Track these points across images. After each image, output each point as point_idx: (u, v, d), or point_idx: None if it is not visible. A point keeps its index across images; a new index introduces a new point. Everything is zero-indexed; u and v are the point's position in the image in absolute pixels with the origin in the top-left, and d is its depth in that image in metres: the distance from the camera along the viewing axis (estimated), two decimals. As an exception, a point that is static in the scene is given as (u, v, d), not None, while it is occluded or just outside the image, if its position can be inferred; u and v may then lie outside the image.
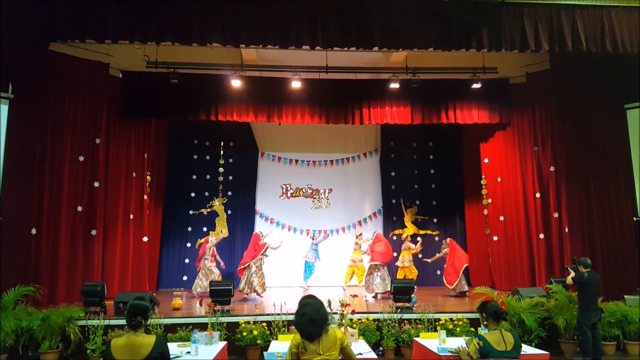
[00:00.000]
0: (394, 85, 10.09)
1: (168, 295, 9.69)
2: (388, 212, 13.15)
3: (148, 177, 10.96)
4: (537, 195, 10.39)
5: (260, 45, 7.74)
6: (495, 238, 11.20)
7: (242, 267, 9.91)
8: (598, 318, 6.67)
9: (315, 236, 12.20)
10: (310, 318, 3.33)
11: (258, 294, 9.55)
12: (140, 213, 10.62)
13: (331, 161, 13.32)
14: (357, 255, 11.37)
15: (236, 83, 9.86)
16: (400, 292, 7.96)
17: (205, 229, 12.54)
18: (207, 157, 12.81)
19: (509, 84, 10.90)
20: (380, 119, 10.57)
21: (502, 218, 11.08)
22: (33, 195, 8.71)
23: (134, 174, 10.47)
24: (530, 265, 10.40)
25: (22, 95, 8.71)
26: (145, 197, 10.81)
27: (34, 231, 8.63)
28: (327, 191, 13.22)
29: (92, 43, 8.12)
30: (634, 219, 9.44)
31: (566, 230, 9.72)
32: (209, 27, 7.41)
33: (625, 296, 8.10)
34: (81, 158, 9.48)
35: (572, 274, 6.83)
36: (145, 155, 10.86)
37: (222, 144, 12.87)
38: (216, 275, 10.38)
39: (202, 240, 12.43)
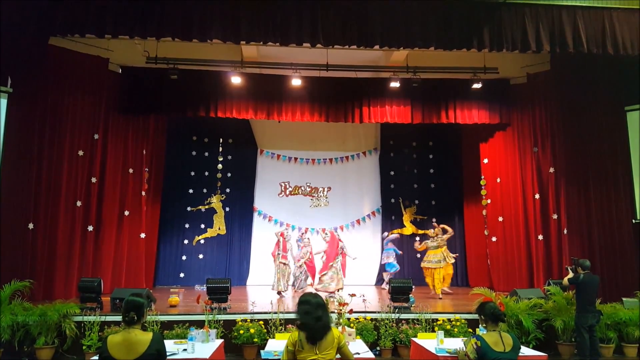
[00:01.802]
0: (395, 84, 10.08)
1: (165, 292, 9.68)
2: (387, 211, 13.16)
3: (146, 173, 10.94)
4: (537, 196, 10.40)
5: (261, 42, 7.73)
6: (494, 239, 11.20)
7: (331, 263, 10.03)
8: (596, 320, 6.66)
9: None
10: (325, 324, 3.30)
11: (333, 292, 9.63)
12: (137, 209, 10.60)
13: (330, 159, 13.31)
14: (435, 255, 10.50)
15: (236, 80, 9.84)
16: (398, 292, 7.96)
17: (203, 225, 12.55)
18: (206, 154, 12.80)
19: (510, 84, 10.90)
20: (380, 118, 10.56)
21: (501, 219, 11.08)
22: (31, 190, 8.68)
23: (131, 170, 10.44)
24: (529, 267, 10.40)
25: (21, 89, 8.67)
26: (143, 193, 10.79)
27: (31, 226, 8.61)
28: (326, 189, 13.22)
29: (92, 38, 8.11)
30: (633, 221, 9.45)
31: (565, 231, 9.72)
32: (209, 23, 7.40)
33: (624, 299, 8.10)
34: (80, 153, 9.46)
35: (570, 274, 6.82)
36: (144, 151, 10.84)
37: (221, 140, 12.86)
38: (290, 270, 10.29)
39: (199, 237, 12.44)
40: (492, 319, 3.82)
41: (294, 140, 13.09)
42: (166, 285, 11.62)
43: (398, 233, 12.64)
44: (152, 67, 9.80)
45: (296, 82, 9.89)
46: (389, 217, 13.12)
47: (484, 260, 11.72)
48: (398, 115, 10.51)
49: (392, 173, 13.29)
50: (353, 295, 8.70)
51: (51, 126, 9.07)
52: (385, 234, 12.42)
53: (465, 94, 10.48)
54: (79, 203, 9.36)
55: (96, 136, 9.72)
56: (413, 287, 8.26)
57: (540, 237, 10.21)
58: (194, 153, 12.74)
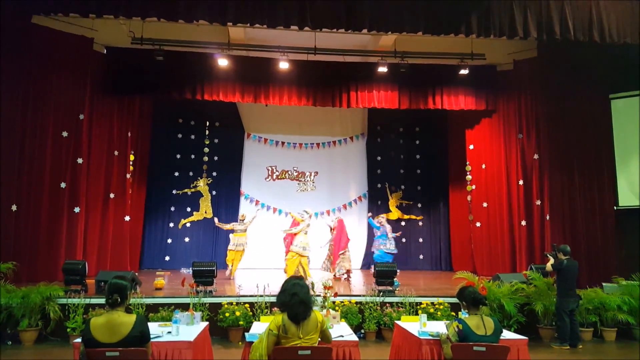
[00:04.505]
0: (382, 69, 10.04)
1: (151, 275, 9.65)
2: (373, 196, 13.21)
3: (131, 156, 10.81)
4: (521, 182, 10.49)
5: (248, 24, 7.61)
6: (478, 224, 11.31)
7: (341, 252, 10.18)
8: (576, 305, 6.80)
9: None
10: (301, 299, 3.31)
11: (348, 277, 9.94)
12: (123, 192, 10.50)
13: (317, 144, 13.30)
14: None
15: (223, 62, 9.72)
16: (383, 276, 8.01)
17: (189, 209, 12.52)
18: (192, 137, 12.70)
19: (497, 70, 10.91)
20: (368, 103, 10.52)
21: (485, 204, 11.19)
22: (14, 171, 8.54)
23: (116, 152, 10.31)
24: (512, 252, 10.54)
25: (3, 69, 8.45)
26: (128, 176, 10.68)
27: (14, 208, 8.48)
28: (312, 174, 13.22)
29: (76, 17, 7.90)
30: (615, 208, 9.59)
31: (547, 217, 9.84)
32: (195, 4, 7.27)
33: (604, 284, 8.25)
34: (65, 134, 9.29)
35: (552, 260, 6.92)
36: (129, 133, 10.70)
37: (207, 123, 12.78)
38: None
39: (185, 220, 12.37)
40: (472, 303, 3.86)
41: (281, 124, 13.03)
42: (152, 268, 11.60)
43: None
44: (137, 47, 9.62)
45: (284, 65, 9.80)
46: (375, 202, 13.17)
47: (467, 245, 11.85)
48: (385, 100, 10.49)
49: (378, 158, 13.34)
50: (338, 279, 8.71)
51: (34, 106, 8.89)
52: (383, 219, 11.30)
53: (452, 80, 10.48)
54: (63, 185, 9.23)
55: (81, 116, 9.54)
56: (398, 271, 8.32)
57: (524, 222, 10.33)
58: (180, 136, 12.64)
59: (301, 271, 9.41)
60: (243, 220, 10.29)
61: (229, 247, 10.12)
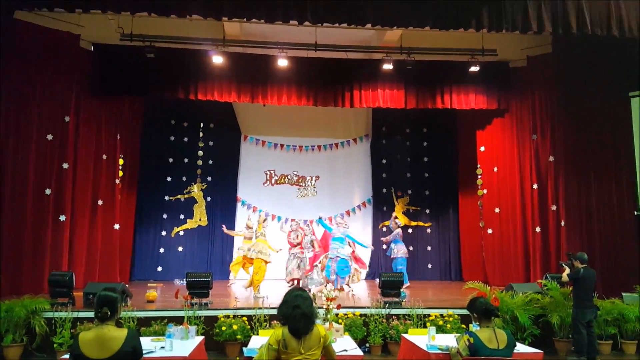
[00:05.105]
0: (387, 66, 10.07)
1: (142, 287, 9.66)
2: (378, 201, 13.22)
3: (121, 160, 10.84)
4: (535, 186, 10.50)
5: (245, 19, 7.65)
6: (489, 231, 11.32)
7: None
8: (593, 316, 6.79)
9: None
10: (304, 312, 3.32)
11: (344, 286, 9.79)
12: (112, 198, 10.51)
13: (319, 146, 13.32)
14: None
15: (218, 59, 9.75)
16: (389, 286, 8.02)
17: (182, 216, 12.52)
18: (185, 139, 12.73)
19: (509, 67, 10.94)
20: (372, 102, 10.56)
21: (497, 210, 11.19)
22: (-5, 177, 8.58)
23: (104, 156, 10.34)
24: (525, 260, 10.54)
25: (-17, 68, 8.52)
26: (118, 181, 10.70)
27: (-5, 216, 8.52)
28: (313, 178, 13.24)
29: (61, 12, 7.95)
30: (635, 213, 9.59)
31: (563, 223, 9.84)
32: (188, -3, 7.29)
33: (624, 294, 8.24)
34: (49, 137, 9.33)
35: (567, 270, 6.92)
36: (118, 136, 10.73)
37: (201, 125, 12.81)
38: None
39: (179, 228, 12.41)
40: (484, 315, 3.87)
41: (280, 125, 13.05)
42: (143, 279, 11.60)
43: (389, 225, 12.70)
44: (127, 44, 9.67)
45: (282, 62, 9.83)
46: (380, 208, 13.18)
47: (478, 253, 11.85)
48: (391, 99, 10.52)
49: (384, 161, 13.34)
50: (341, 289, 8.74)
51: (18, 106, 8.93)
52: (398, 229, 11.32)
53: (462, 78, 10.50)
54: (48, 191, 9.26)
55: (67, 118, 9.59)
56: (407, 282, 8.32)
57: (538, 229, 10.33)
58: (172, 138, 12.66)
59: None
60: (251, 227, 10.51)
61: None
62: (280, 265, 10.57)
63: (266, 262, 9.24)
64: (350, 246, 10.19)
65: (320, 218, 11.01)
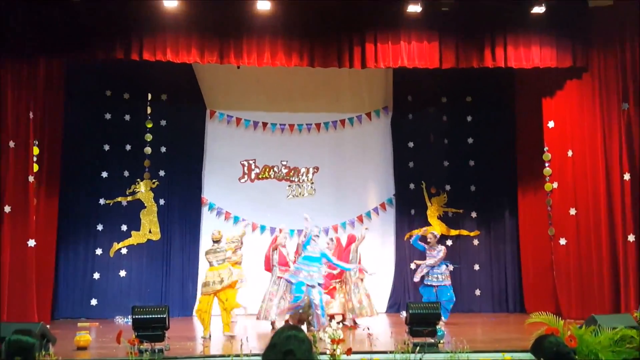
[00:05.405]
0: (414, 9, 10.06)
1: (70, 328, 9.69)
2: (403, 202, 13.27)
3: (35, 149, 10.84)
4: (627, 176, 10.50)
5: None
6: (562, 241, 11.33)
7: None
8: None
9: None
10: (286, 353, 3.34)
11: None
12: (23, 203, 10.49)
13: (317, 125, 13.32)
14: None
15: (171, 3, 9.76)
16: (421, 322, 8.04)
17: (124, 227, 12.51)
18: (127, 118, 12.76)
19: (588, 7, 10.93)
20: (393, 61, 10.56)
21: (573, 211, 11.21)
22: None
23: (12, 144, 10.33)
24: (614, 282, 10.55)
25: None
26: (32, 178, 10.69)
27: None
28: (311, 170, 13.26)
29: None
30: None
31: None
32: None
33: None
34: None
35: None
36: (31, 114, 10.69)
37: (149, 97, 12.81)
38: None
39: (120, 245, 12.41)
40: (555, 360, 3.89)
41: (262, 95, 13.08)
42: (71, 317, 11.65)
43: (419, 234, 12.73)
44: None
45: (264, 5, 9.84)
46: (407, 211, 13.21)
47: (547, 272, 11.88)
48: (419, 56, 10.53)
49: (410, 144, 13.37)
50: (353, 327, 8.77)
51: None
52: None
53: (521, 24, 10.53)
54: None
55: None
56: (446, 316, 8.34)
57: (632, 237, 10.35)
58: (108, 116, 12.66)
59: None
60: (218, 241, 9.63)
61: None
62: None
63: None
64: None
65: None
